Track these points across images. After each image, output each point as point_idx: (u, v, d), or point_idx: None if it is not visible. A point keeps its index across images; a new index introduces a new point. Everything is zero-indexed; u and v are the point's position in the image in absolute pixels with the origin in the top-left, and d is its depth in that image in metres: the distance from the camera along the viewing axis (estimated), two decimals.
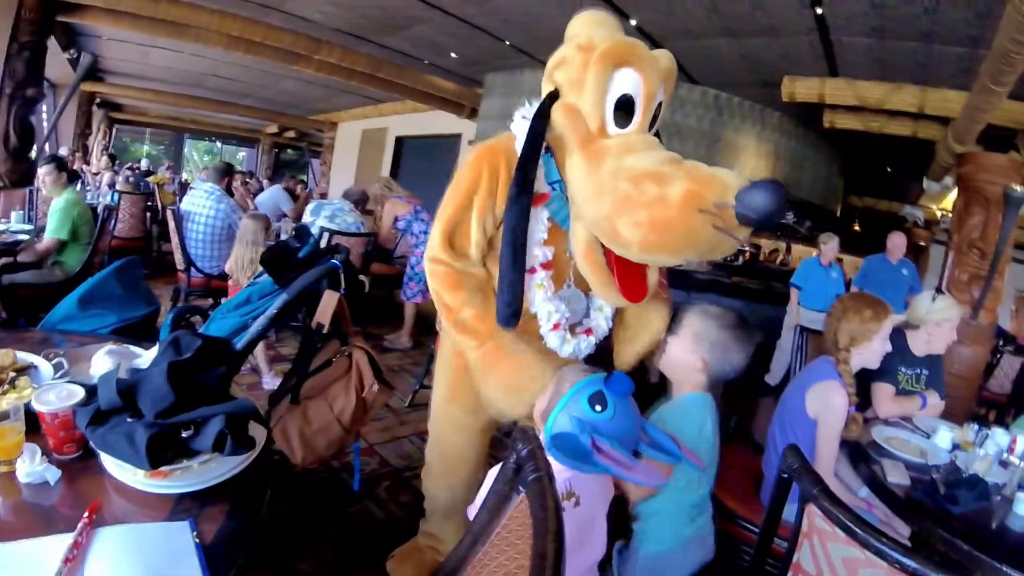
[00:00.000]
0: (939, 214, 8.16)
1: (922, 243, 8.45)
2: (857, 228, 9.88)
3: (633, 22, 5.04)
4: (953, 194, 6.00)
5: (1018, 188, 4.23)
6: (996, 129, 4.20)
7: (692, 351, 1.58)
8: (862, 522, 0.97)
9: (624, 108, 1.33)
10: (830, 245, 5.17)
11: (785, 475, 1.17)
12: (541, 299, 1.50)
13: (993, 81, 3.17)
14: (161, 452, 0.93)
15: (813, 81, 5.04)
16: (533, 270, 1.48)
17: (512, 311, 1.34)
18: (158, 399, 0.95)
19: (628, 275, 1.41)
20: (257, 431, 1.10)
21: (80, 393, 1.09)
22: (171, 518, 0.95)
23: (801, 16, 4.22)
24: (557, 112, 1.37)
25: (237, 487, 1.04)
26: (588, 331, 1.61)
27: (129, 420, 0.96)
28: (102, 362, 1.41)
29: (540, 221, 1.47)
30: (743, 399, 2.72)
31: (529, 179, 1.34)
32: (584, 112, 1.34)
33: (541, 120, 1.37)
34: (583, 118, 1.34)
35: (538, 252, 1.48)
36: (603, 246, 1.38)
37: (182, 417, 0.96)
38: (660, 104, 1.41)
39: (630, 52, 1.31)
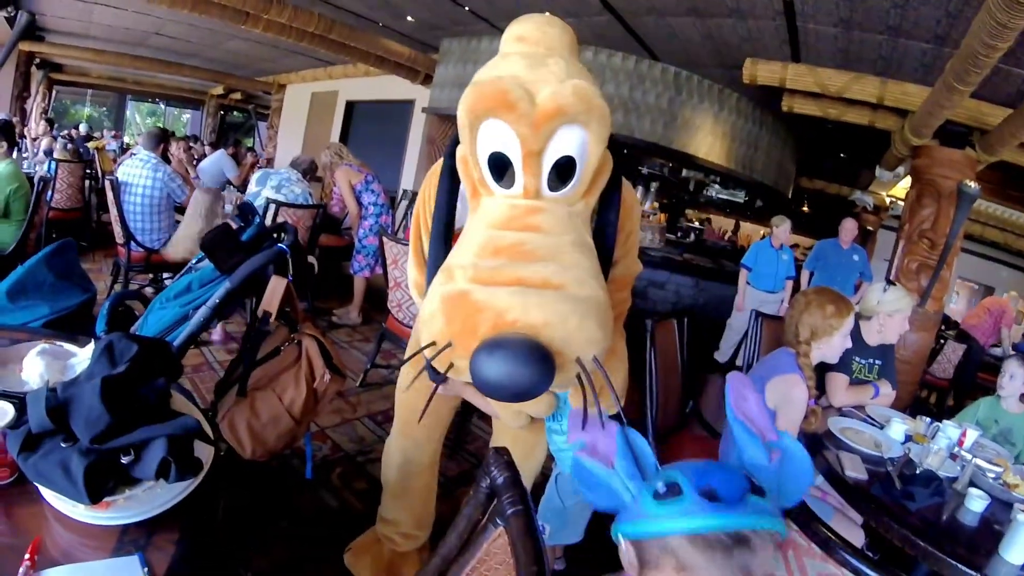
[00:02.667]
0: (888, 200, 8.42)
1: (870, 228, 8.72)
2: (806, 209, 10.13)
3: None
4: (904, 182, 6.19)
5: (972, 184, 4.37)
6: (953, 125, 4.30)
7: None
8: (841, 539, 0.96)
9: (497, 167, 1.05)
10: (782, 228, 5.30)
11: None
12: None
13: (958, 80, 3.22)
14: (101, 482, 0.84)
15: (775, 65, 5.04)
16: None
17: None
18: (92, 421, 0.85)
19: None
20: (204, 450, 1.01)
21: (10, 412, 0.98)
22: (118, 550, 0.87)
23: (771, 0, 4.20)
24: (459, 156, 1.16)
25: (186, 511, 0.96)
26: None
27: (63, 445, 0.86)
28: (34, 364, 1.29)
29: None
30: (693, 377, 2.73)
31: (445, 222, 1.23)
32: (469, 161, 1.09)
33: (451, 159, 1.20)
34: (470, 168, 1.10)
35: None
36: None
37: (120, 441, 0.87)
38: (590, 152, 1.06)
39: (497, 101, 0.99)
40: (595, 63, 6.34)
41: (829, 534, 0.98)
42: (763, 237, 6.09)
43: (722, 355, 5.37)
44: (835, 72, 4.80)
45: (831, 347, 2.13)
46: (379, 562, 1.90)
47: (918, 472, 1.86)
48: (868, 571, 0.92)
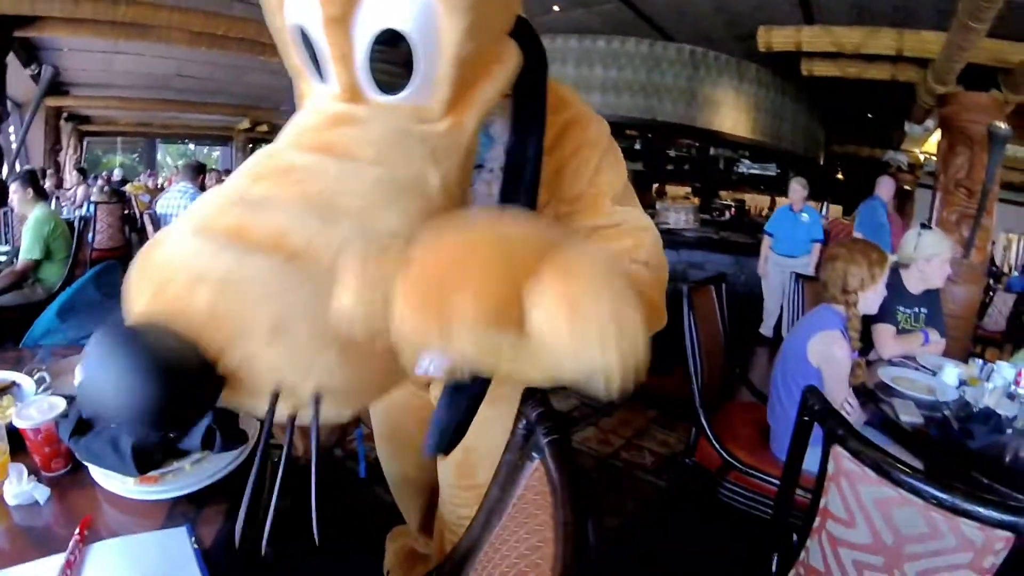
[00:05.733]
0: (922, 157, 8.16)
1: (907, 187, 8.45)
2: (840, 176, 9.87)
3: None
4: (936, 136, 6.00)
5: (1002, 125, 4.22)
6: (976, 68, 4.17)
7: None
8: (894, 459, 0.93)
9: (311, 50, 0.69)
10: (795, 189, 5.19)
11: (806, 418, 1.13)
12: None
13: (972, 18, 3.13)
14: (148, 456, 0.87)
15: (789, 30, 4.97)
16: None
17: None
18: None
19: None
20: (250, 423, 1.04)
21: (61, 404, 1.02)
22: (166, 525, 0.89)
23: None
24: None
25: (234, 484, 0.98)
26: None
27: (113, 425, 0.89)
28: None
29: None
30: (738, 344, 2.68)
31: None
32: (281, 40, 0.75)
33: None
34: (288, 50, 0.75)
35: None
36: None
37: None
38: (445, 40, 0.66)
39: None
40: (609, 50, 6.34)
41: (881, 455, 0.95)
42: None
43: (766, 328, 5.27)
44: (850, 29, 4.71)
45: (874, 296, 2.07)
46: (400, 554, 1.92)
47: (975, 412, 1.79)
48: (924, 487, 0.88)
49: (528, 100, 0.83)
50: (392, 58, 0.66)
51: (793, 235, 5.11)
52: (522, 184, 0.82)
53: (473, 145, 0.74)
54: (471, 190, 0.88)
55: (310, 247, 0.56)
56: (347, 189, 0.61)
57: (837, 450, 1.02)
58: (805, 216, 5.12)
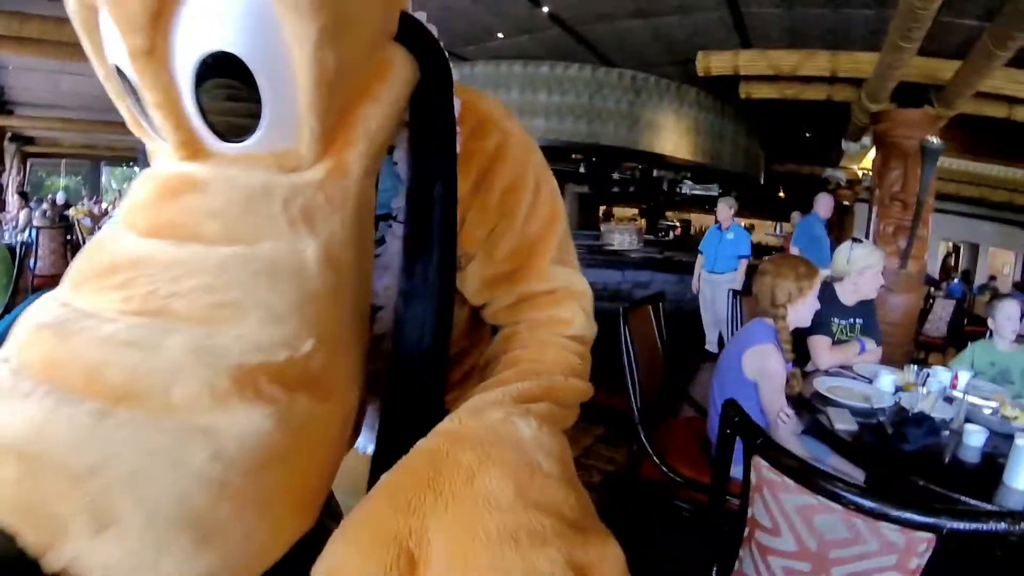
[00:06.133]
0: (860, 173, 8.51)
1: (847, 203, 8.80)
2: (782, 195, 10.22)
3: (545, 9, 5.03)
4: (872, 153, 6.27)
5: (934, 140, 4.42)
6: (909, 85, 4.37)
7: None
8: (810, 467, 0.93)
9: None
10: (720, 208, 5.36)
11: (728, 431, 1.13)
12: None
13: (902, 38, 3.27)
14: None
15: (726, 54, 5.14)
16: None
17: None
18: None
19: None
20: None
21: None
22: None
23: None
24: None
25: None
26: None
27: None
28: None
29: None
30: (680, 361, 2.70)
31: None
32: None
33: None
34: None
35: None
36: None
37: None
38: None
39: None
40: (552, 76, 6.46)
41: (798, 463, 0.95)
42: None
43: (710, 344, 5.38)
44: (786, 52, 4.89)
45: (805, 309, 2.11)
46: None
47: (910, 416, 1.83)
48: (842, 492, 0.88)
49: (428, 123, 0.62)
50: (240, 95, 0.49)
51: (719, 252, 5.25)
52: (430, 239, 0.61)
53: (368, 192, 0.56)
54: (381, 248, 0.70)
55: (133, 383, 0.40)
56: (182, 287, 0.44)
57: (758, 460, 1.01)
58: (731, 234, 5.26)
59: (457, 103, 0.66)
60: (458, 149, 0.65)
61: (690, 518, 1.97)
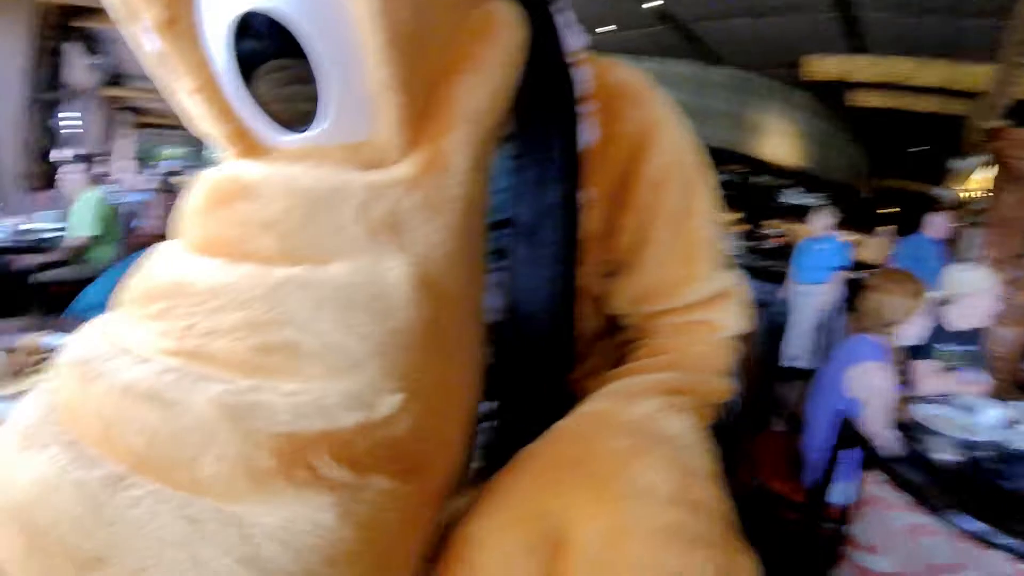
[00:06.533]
0: (971, 194, 7.97)
1: (956, 224, 8.29)
2: (895, 210, 9.68)
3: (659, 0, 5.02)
4: (982, 173, 5.87)
5: None
6: None
7: None
8: (926, 488, 0.93)
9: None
10: (814, 218, 5.17)
11: (840, 446, 1.13)
12: None
13: (1019, 54, 3.08)
14: None
15: (836, 59, 4.94)
16: None
17: None
18: None
19: None
20: None
21: None
22: None
23: None
24: None
25: None
26: None
27: None
28: None
29: None
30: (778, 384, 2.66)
31: None
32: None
33: None
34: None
35: None
36: None
37: None
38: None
39: None
40: (655, 72, 6.46)
41: (915, 484, 0.95)
42: None
43: (793, 358, 5.21)
44: (898, 60, 4.65)
45: (912, 329, 2.05)
46: None
47: (1012, 452, 1.75)
48: (955, 516, 0.88)
49: (540, 102, 0.48)
50: (295, 72, 0.38)
51: (811, 263, 5.07)
52: (540, 256, 0.49)
53: (476, 192, 0.42)
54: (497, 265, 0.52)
55: (153, 448, 0.33)
56: (223, 322, 0.35)
57: (869, 476, 1.02)
58: (825, 245, 5.08)
59: (585, 75, 0.53)
60: (591, 136, 0.52)
61: (778, 534, 1.95)
